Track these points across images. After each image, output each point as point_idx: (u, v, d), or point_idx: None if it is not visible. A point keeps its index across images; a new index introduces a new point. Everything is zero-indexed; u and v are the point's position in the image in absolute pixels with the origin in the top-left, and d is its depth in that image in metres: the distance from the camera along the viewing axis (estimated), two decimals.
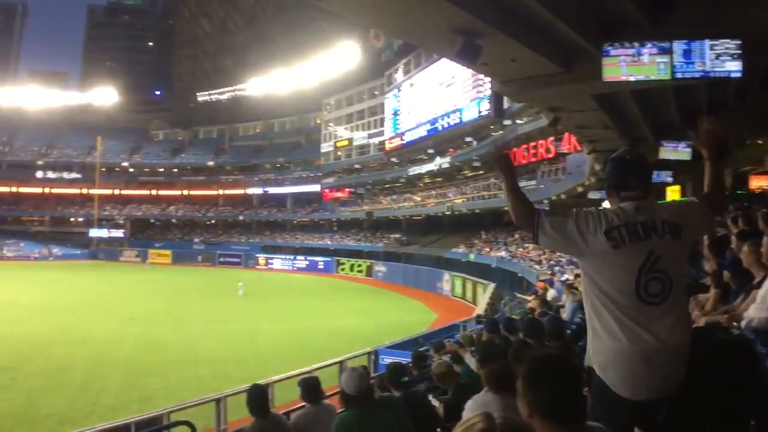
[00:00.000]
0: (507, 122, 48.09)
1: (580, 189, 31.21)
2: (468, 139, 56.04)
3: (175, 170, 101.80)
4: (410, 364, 9.29)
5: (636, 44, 9.55)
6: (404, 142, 66.28)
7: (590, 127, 16.58)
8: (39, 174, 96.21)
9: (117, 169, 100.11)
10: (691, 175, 21.89)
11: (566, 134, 33.17)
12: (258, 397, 6.13)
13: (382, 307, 42.47)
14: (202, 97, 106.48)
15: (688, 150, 16.33)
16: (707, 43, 9.21)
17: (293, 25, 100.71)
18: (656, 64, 9.48)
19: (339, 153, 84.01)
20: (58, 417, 16.73)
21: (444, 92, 57.17)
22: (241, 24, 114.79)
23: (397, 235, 69.96)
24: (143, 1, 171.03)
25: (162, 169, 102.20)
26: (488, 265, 45.87)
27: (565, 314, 12.16)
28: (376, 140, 76.44)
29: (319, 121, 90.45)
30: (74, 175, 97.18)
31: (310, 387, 6.37)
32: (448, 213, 58.73)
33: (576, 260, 3.72)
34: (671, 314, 3.08)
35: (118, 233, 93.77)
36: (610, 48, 9.66)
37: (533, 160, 44.63)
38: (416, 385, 7.57)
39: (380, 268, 65.14)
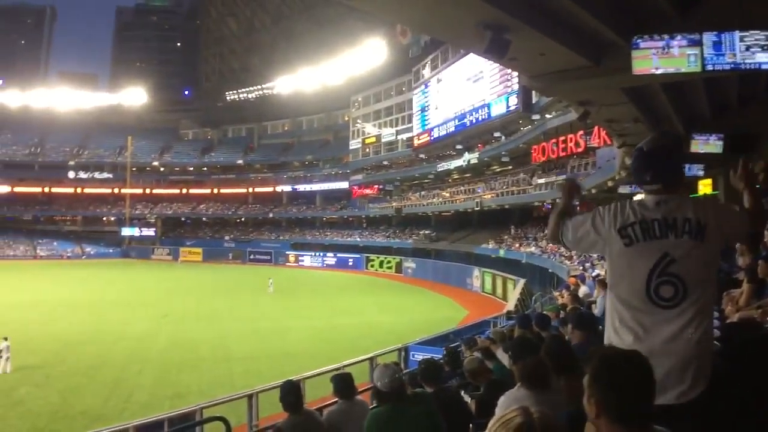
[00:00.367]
0: (535, 117, 47.73)
1: (610, 183, 30.87)
2: (496, 134, 55.65)
3: (205, 169, 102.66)
4: (442, 361, 9.29)
5: (665, 36, 9.42)
6: (432, 138, 66.14)
7: (620, 120, 16.41)
8: (71, 174, 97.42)
9: (147, 168, 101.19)
10: (723, 168, 21.63)
11: (596, 128, 32.85)
12: (291, 392, 6.16)
13: (411, 304, 42.48)
14: (230, 96, 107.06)
15: (720, 143, 16.10)
16: (737, 34, 9.06)
17: (320, 23, 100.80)
18: (686, 57, 9.35)
19: (367, 150, 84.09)
20: (92, 414, 16.96)
21: (472, 87, 56.91)
22: (267, 22, 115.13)
23: (427, 232, 69.87)
24: (170, 1, 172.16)
25: (192, 168, 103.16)
26: (518, 261, 45.63)
27: (596, 310, 12.07)
28: (404, 137, 76.43)
29: (346, 119, 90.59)
30: (105, 175, 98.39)
31: (343, 383, 6.36)
32: (477, 209, 58.42)
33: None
34: (681, 319, 2.95)
35: (150, 232, 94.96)
36: (639, 41, 9.54)
37: (563, 154, 44.28)
38: (448, 382, 7.56)
39: (410, 264, 65.19)
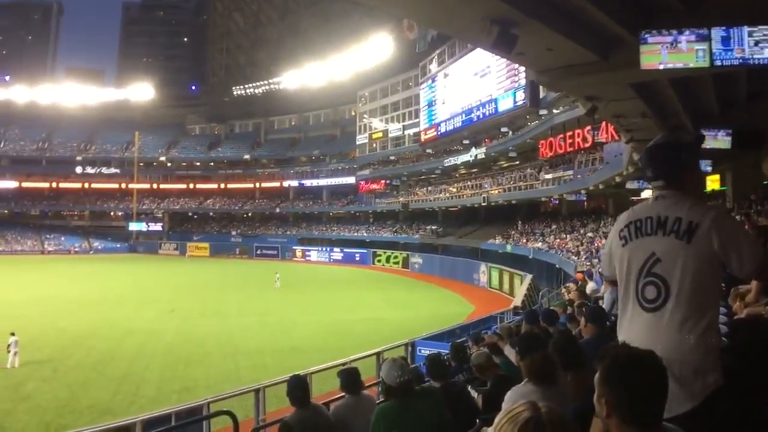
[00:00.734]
0: (543, 112, 47.61)
1: (618, 179, 30.81)
2: (503, 129, 55.56)
3: (212, 164, 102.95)
4: (449, 356, 9.30)
5: (674, 31, 9.37)
6: (439, 133, 66.05)
7: (628, 116, 16.34)
8: (78, 169, 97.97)
9: (154, 163, 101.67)
10: (731, 164, 21.57)
11: (604, 123, 32.79)
12: (298, 387, 6.18)
13: (418, 299, 42.51)
14: (237, 91, 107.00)
15: (728, 138, 16.04)
16: (746, 29, 9.01)
17: (326, 18, 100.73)
18: (695, 52, 9.31)
19: (374, 145, 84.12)
20: (100, 408, 17.03)
21: (479, 82, 56.79)
22: (274, 17, 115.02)
23: (433, 227, 69.80)
24: None
25: (199, 163, 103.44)
26: (525, 257, 45.55)
27: (603, 305, 12.05)
28: (411, 131, 76.42)
29: (353, 113, 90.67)
30: (113, 170, 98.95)
31: (350, 378, 6.38)
32: (484, 204, 58.36)
33: None
34: (661, 324, 2.84)
35: (157, 227, 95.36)
36: (647, 35, 9.50)
37: (570, 150, 44.16)
38: (455, 377, 7.58)
39: (416, 259, 65.23)
